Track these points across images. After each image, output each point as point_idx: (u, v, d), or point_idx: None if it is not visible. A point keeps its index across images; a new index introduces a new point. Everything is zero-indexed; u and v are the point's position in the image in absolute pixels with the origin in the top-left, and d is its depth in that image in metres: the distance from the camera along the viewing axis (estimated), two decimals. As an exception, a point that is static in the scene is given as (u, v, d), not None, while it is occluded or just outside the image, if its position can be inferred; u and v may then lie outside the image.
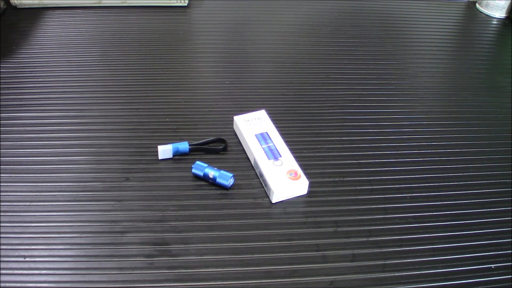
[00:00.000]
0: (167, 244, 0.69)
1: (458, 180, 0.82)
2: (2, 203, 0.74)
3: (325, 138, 0.88)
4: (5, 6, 1.23)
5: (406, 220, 0.74)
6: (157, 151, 0.83)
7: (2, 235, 0.69)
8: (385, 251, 0.69)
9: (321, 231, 0.72)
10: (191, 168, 0.79)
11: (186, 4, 1.27)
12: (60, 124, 0.89)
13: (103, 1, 1.24)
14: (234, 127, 0.89)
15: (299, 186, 0.76)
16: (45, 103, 0.93)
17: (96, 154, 0.83)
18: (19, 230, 0.70)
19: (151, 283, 0.64)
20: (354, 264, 0.67)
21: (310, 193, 0.78)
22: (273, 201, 0.76)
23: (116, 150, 0.84)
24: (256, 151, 0.80)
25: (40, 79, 0.99)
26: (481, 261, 0.69)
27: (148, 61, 1.06)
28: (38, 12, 1.22)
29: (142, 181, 0.78)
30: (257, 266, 0.66)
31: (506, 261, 0.69)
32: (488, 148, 0.89)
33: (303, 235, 0.71)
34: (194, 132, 0.88)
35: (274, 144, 0.82)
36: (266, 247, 0.69)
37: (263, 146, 0.81)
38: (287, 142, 0.84)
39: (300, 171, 0.78)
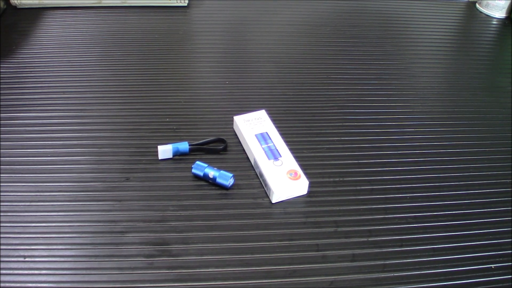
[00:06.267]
0: (167, 244, 0.69)
1: (458, 180, 0.82)
2: (2, 203, 0.74)
3: (325, 138, 0.88)
4: (5, 6, 1.23)
5: (406, 220, 0.74)
6: (157, 151, 0.83)
7: (2, 235, 0.69)
8: (385, 251, 0.69)
9: (321, 231, 0.72)
10: (191, 168, 0.79)
11: (186, 4, 1.27)
12: (60, 124, 0.89)
13: (103, 1, 1.24)
14: (234, 127, 0.89)
15: (299, 186, 0.76)
16: (45, 103, 0.93)
17: (96, 154, 0.83)
18: (19, 230, 0.70)
19: (151, 283, 0.64)
20: (354, 264, 0.67)
21: (310, 193, 0.78)
22: (273, 201, 0.76)
23: (116, 150, 0.84)
24: (256, 151, 0.80)
25: (40, 79, 0.99)
26: (481, 261, 0.69)
27: (148, 61, 1.06)
28: (38, 12, 1.22)
29: (142, 181, 0.78)
30: (257, 266, 0.66)
31: (506, 261, 0.69)
32: (488, 148, 0.89)
33: (303, 235, 0.71)
34: (194, 132, 0.88)
35: (274, 144, 0.82)
36: (266, 247, 0.69)
37: (263, 146, 0.81)
38: (287, 142, 0.84)
39: (300, 171, 0.78)
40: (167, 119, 0.91)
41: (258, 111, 0.89)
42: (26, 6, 1.23)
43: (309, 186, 0.78)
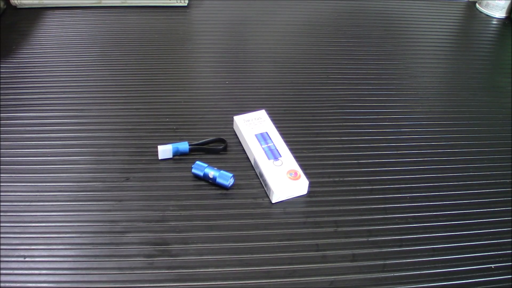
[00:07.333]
0: (167, 244, 0.69)
1: (458, 180, 0.82)
2: (2, 203, 0.74)
3: (325, 138, 0.88)
4: (5, 6, 1.23)
5: (406, 220, 0.74)
6: (157, 151, 0.83)
7: (2, 235, 0.69)
8: (385, 251, 0.69)
9: (321, 231, 0.72)
10: (191, 168, 0.79)
11: (186, 4, 1.27)
12: (59, 124, 0.89)
13: (103, 1, 1.24)
14: (234, 127, 0.89)
15: (299, 186, 0.76)
16: (45, 103, 0.93)
17: (96, 154, 0.83)
18: (19, 230, 0.70)
19: (151, 283, 0.64)
20: (354, 264, 0.67)
21: (310, 193, 0.78)
22: (273, 201, 0.76)
23: (116, 150, 0.84)
24: (256, 151, 0.80)
25: (40, 79, 0.99)
26: (481, 261, 0.69)
27: (148, 61, 1.06)
28: (38, 12, 1.22)
29: (142, 181, 0.78)
30: (257, 266, 0.66)
31: (506, 261, 0.69)
32: (488, 148, 0.89)
33: (303, 235, 0.71)
34: (194, 132, 0.88)
35: (274, 144, 0.82)
36: (266, 247, 0.69)
37: (263, 146, 0.81)
38: (287, 142, 0.84)
39: (300, 171, 0.78)
40: (167, 119, 0.91)
41: (258, 111, 0.89)
42: (26, 6, 1.23)
43: (309, 186, 0.78)
